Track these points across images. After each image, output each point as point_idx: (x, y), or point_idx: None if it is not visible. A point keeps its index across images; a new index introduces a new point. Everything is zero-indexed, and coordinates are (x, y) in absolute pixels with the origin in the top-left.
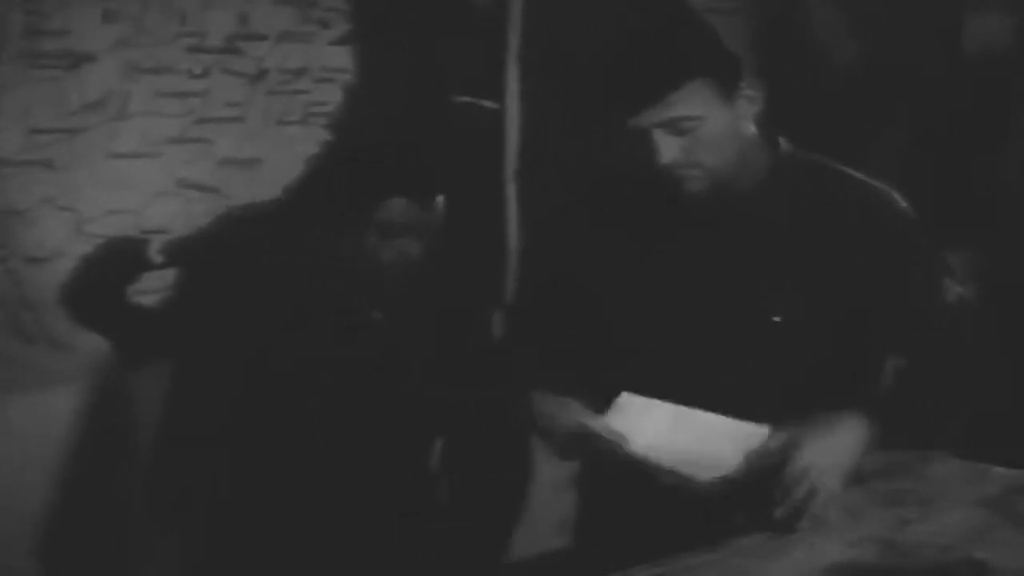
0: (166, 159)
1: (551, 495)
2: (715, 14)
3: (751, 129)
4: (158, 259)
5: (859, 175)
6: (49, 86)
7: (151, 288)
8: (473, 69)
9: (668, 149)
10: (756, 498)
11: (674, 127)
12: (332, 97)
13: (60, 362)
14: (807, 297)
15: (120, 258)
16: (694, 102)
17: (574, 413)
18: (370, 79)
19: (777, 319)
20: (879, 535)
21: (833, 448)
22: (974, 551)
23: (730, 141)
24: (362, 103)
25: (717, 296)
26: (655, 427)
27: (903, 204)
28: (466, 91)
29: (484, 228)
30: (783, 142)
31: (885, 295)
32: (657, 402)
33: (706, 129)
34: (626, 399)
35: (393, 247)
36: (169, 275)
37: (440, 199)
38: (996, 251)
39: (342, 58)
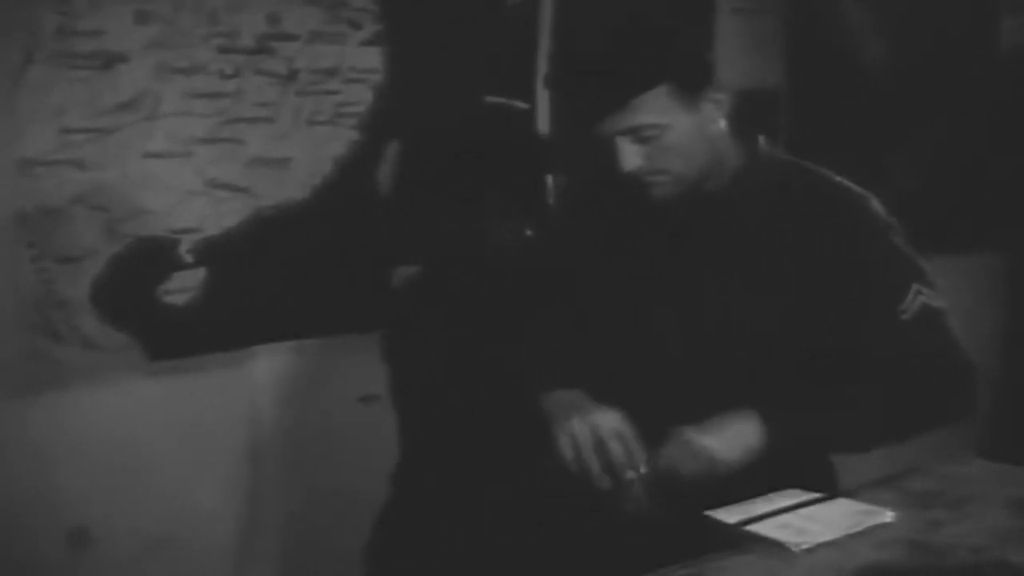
0: (197, 159)
1: None
2: (744, 14)
3: (720, 127)
4: (188, 259)
5: (837, 178)
6: (81, 86)
7: (181, 288)
8: (504, 69)
9: (631, 157)
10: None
11: (636, 135)
12: (362, 97)
13: (91, 361)
14: (775, 298)
15: (150, 257)
16: (656, 109)
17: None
18: (400, 80)
19: (748, 321)
20: (911, 537)
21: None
22: (1008, 553)
23: (697, 145)
24: (393, 103)
25: (688, 297)
26: None
27: (879, 209)
28: (497, 92)
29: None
30: (762, 140)
31: (847, 300)
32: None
33: (670, 137)
34: None
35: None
36: (199, 274)
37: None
38: None
39: (372, 59)
